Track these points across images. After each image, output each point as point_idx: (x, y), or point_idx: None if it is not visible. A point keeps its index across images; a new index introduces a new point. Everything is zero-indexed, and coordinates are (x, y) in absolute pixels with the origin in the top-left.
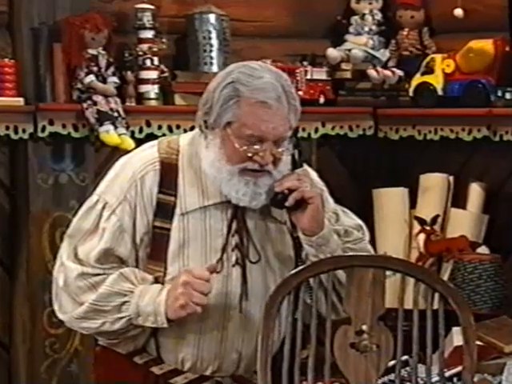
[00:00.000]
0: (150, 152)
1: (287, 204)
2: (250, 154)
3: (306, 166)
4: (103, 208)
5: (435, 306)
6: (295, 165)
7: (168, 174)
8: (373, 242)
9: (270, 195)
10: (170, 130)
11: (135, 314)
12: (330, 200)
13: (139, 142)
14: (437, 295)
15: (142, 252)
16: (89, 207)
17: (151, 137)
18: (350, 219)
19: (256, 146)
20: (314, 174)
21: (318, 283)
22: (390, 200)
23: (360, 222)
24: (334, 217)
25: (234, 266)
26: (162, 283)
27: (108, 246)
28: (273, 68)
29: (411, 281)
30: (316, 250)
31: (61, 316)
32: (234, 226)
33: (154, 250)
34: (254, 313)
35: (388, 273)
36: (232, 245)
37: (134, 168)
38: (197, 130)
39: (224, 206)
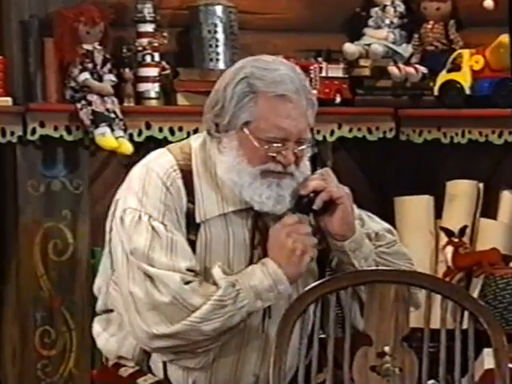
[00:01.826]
0: (167, 159)
1: (315, 207)
2: (272, 154)
3: (328, 169)
4: (150, 220)
5: (464, 326)
6: (315, 166)
7: (187, 181)
8: None
9: (293, 199)
10: (172, 132)
11: (253, 298)
12: (353, 205)
13: (138, 146)
14: (466, 313)
15: None
16: (134, 225)
17: (151, 140)
18: (376, 224)
19: (278, 145)
20: (335, 177)
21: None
22: (414, 209)
23: (388, 225)
24: (360, 222)
25: None
26: None
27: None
28: (285, 61)
29: (438, 298)
30: (349, 257)
31: (167, 329)
32: (257, 237)
33: None
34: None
35: (413, 289)
36: (255, 258)
37: (160, 177)
38: (205, 133)
39: (244, 214)
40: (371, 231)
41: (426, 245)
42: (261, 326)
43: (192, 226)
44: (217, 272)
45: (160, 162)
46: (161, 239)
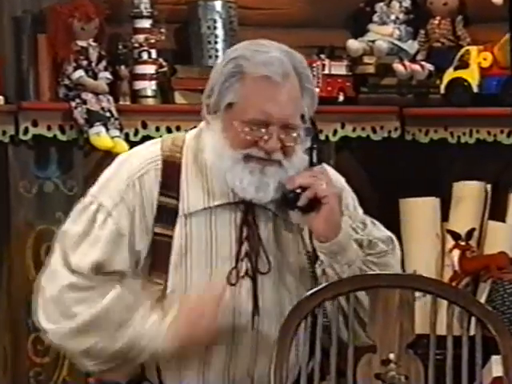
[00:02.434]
0: (151, 149)
1: (299, 203)
2: (251, 138)
3: (325, 166)
4: (97, 211)
5: (471, 332)
6: (311, 160)
7: (171, 174)
8: (400, 259)
9: (279, 190)
10: (169, 132)
11: (134, 338)
12: (360, 210)
13: (134, 146)
14: (473, 319)
15: (142, 261)
16: (81, 209)
17: (148, 140)
18: (378, 231)
19: (261, 129)
20: (337, 176)
21: (337, 307)
22: (419, 211)
23: (390, 234)
24: (361, 226)
25: (243, 277)
26: (163, 296)
27: (104, 257)
28: (287, 48)
29: (444, 303)
30: (330, 259)
31: (46, 325)
32: (245, 231)
33: (155, 259)
34: (268, 331)
35: (418, 294)
36: (242, 253)
37: (132, 167)
38: (203, 123)
39: (232, 208)
40: (365, 238)
41: (431, 248)
42: (250, 324)
43: (168, 221)
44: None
45: (143, 152)
46: (91, 235)
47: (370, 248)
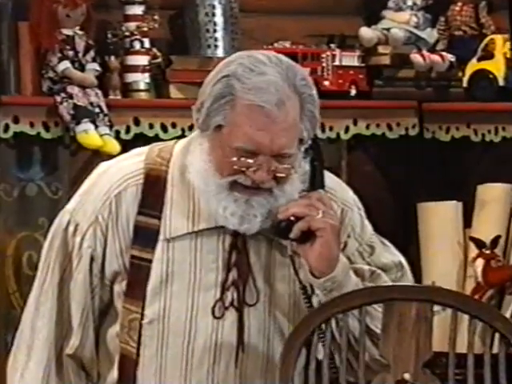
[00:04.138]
0: (133, 161)
1: (291, 235)
2: (238, 167)
3: (333, 181)
4: (74, 232)
5: (495, 350)
6: (313, 185)
7: (153, 190)
8: (418, 269)
9: (270, 219)
10: (164, 129)
11: None
12: (369, 227)
13: (125, 145)
14: (497, 336)
15: (117, 287)
16: (57, 229)
17: (140, 138)
18: (388, 254)
19: (249, 160)
20: (344, 192)
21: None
22: (440, 217)
23: (401, 259)
24: (369, 250)
25: (227, 308)
26: (140, 326)
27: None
28: (288, 61)
29: (465, 318)
30: (325, 296)
31: None
32: (234, 257)
33: (132, 285)
34: (253, 370)
35: (436, 308)
36: (229, 281)
37: (111, 182)
38: (195, 133)
39: (220, 231)
40: (367, 269)
41: (453, 257)
42: (233, 361)
43: (148, 243)
44: None
45: (124, 164)
46: (72, 261)
47: (372, 280)
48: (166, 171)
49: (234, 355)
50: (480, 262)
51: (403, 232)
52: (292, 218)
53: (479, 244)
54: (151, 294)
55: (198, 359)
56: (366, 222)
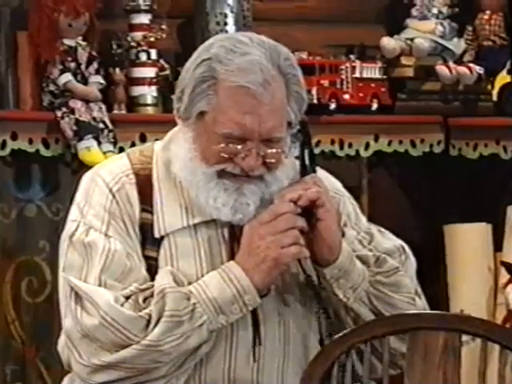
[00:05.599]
0: (120, 163)
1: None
2: (226, 154)
3: (319, 171)
4: (87, 234)
5: None
6: (305, 170)
7: (144, 188)
8: (445, 295)
9: (264, 206)
10: None
11: (213, 313)
12: (362, 217)
13: None
14: None
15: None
16: (67, 237)
17: None
18: (387, 240)
19: (237, 146)
20: (334, 182)
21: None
22: (468, 239)
23: (401, 242)
24: (368, 237)
25: None
26: None
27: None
28: (270, 42)
29: (496, 348)
30: (332, 286)
31: (107, 358)
32: (236, 249)
33: None
34: (272, 364)
35: (465, 338)
36: None
37: (106, 181)
38: (174, 129)
39: (218, 223)
40: (371, 254)
41: (482, 283)
42: (251, 355)
43: (150, 240)
44: (164, 277)
45: (111, 167)
46: (98, 253)
47: (378, 266)
48: (150, 168)
49: (251, 350)
50: (511, 289)
51: (428, 256)
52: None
53: (510, 269)
54: None
55: (214, 357)
56: (359, 211)
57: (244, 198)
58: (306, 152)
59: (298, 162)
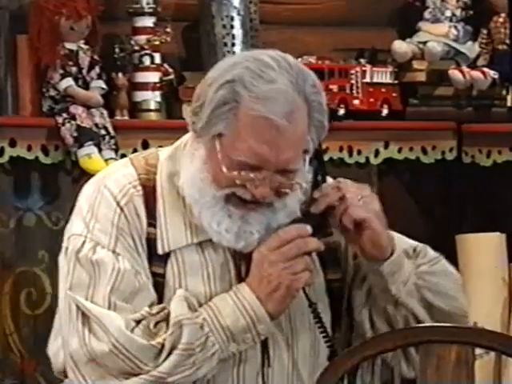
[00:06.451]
0: (126, 172)
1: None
2: (239, 181)
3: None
4: (94, 250)
5: None
6: (316, 177)
7: (150, 201)
8: None
9: (269, 235)
10: None
11: (225, 342)
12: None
13: None
14: None
15: None
16: (73, 253)
17: None
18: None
19: (251, 175)
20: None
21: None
22: (481, 250)
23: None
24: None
25: None
26: None
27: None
28: (297, 65)
29: (510, 362)
30: (387, 281)
31: None
32: (243, 267)
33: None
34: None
35: (479, 351)
36: None
37: (114, 194)
38: (182, 139)
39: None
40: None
41: (496, 295)
42: (260, 377)
43: (157, 256)
44: (179, 306)
45: (116, 176)
46: (107, 272)
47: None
48: (155, 178)
49: (260, 370)
50: None
51: None
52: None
53: None
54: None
55: (221, 380)
56: None
57: (248, 227)
58: (319, 180)
59: (309, 188)
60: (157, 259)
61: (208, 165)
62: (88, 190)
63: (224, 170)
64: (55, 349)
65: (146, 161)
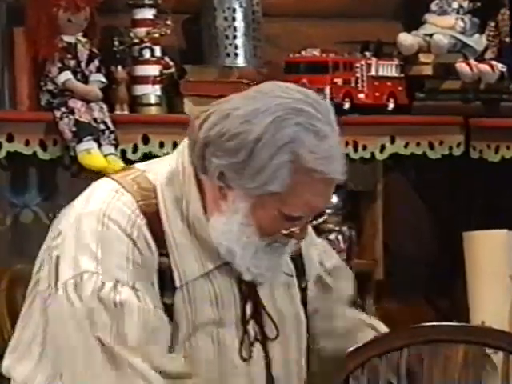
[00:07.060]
0: (125, 200)
1: None
2: (286, 232)
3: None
4: (115, 288)
5: None
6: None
7: (155, 229)
8: (465, 307)
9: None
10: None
11: None
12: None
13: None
14: None
15: None
16: (95, 294)
17: (149, 158)
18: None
19: (296, 222)
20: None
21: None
22: (488, 247)
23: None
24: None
25: (252, 344)
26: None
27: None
28: (327, 105)
29: None
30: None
31: None
32: (245, 289)
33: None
34: None
35: (487, 351)
36: (248, 311)
37: (121, 226)
38: (172, 158)
39: (227, 267)
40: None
41: (503, 293)
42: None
43: (169, 287)
44: None
45: (117, 205)
46: (132, 315)
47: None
48: (156, 204)
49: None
50: None
51: (447, 265)
52: None
53: None
54: (179, 345)
55: None
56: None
57: (280, 260)
58: None
59: None
60: (168, 290)
61: (251, 218)
62: (90, 225)
63: (275, 221)
64: (26, 372)
65: (138, 185)
